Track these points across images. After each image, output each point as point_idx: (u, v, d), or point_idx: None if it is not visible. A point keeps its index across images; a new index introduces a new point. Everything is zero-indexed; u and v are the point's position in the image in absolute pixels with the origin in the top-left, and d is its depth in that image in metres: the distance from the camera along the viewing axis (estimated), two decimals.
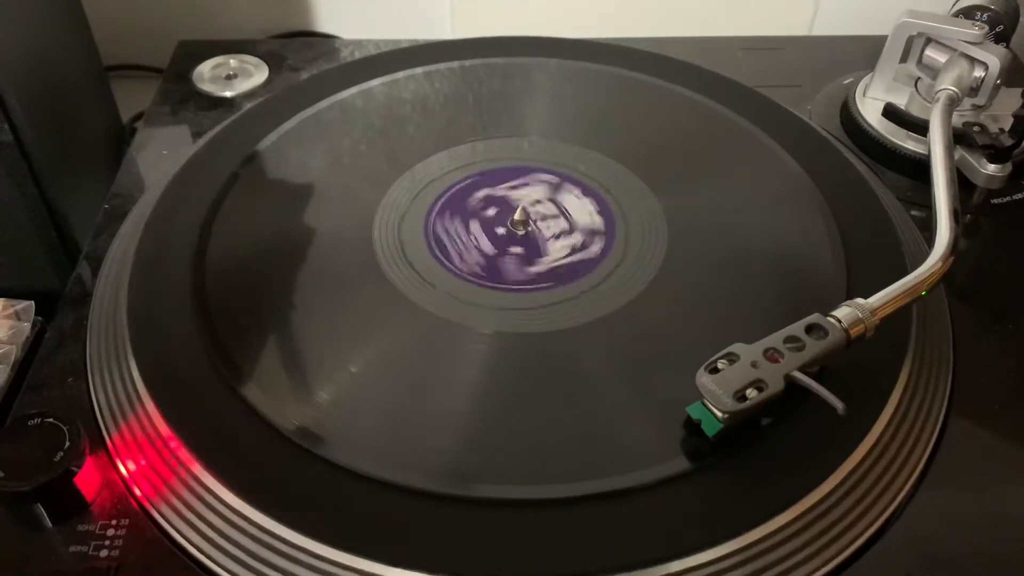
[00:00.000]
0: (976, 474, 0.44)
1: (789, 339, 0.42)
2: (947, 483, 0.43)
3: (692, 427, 0.42)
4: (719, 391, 0.40)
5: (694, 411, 0.41)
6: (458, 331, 0.47)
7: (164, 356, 0.45)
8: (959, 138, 0.56)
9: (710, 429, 0.41)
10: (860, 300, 0.43)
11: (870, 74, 0.64)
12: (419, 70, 0.65)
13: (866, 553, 0.40)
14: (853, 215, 0.53)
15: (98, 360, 0.47)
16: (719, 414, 0.40)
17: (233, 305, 0.48)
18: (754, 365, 0.41)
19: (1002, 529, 0.42)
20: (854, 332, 0.42)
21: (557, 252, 0.52)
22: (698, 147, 0.60)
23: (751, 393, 0.40)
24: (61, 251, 0.58)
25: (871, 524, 0.41)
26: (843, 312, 0.43)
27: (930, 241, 0.47)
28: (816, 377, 0.41)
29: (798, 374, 0.40)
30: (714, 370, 0.41)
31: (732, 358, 0.41)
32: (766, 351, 0.41)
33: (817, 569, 0.39)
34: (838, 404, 0.39)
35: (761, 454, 0.42)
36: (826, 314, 0.43)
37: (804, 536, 0.39)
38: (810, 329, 0.42)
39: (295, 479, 0.41)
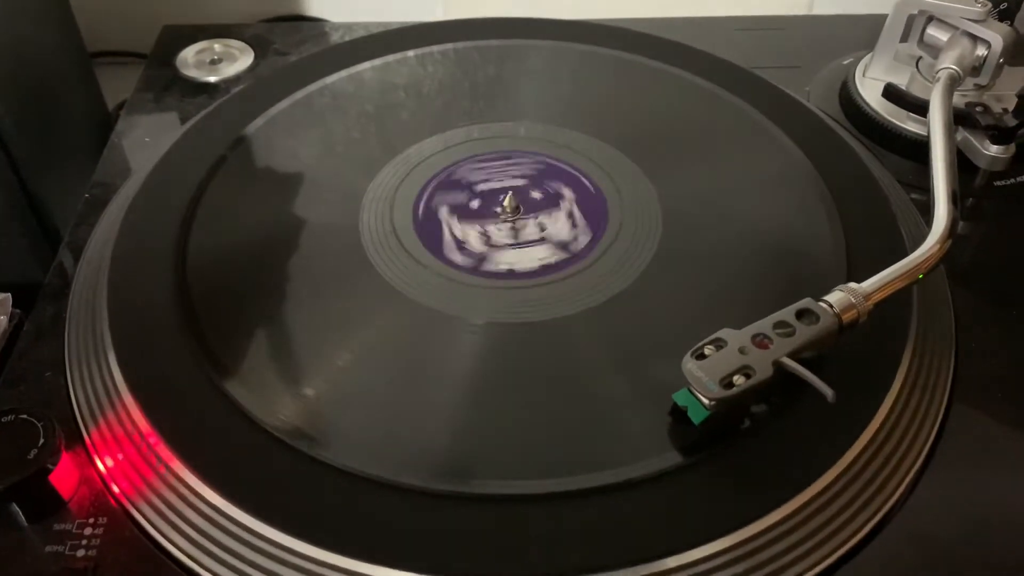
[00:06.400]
0: (978, 465, 0.43)
1: (779, 324, 0.41)
2: (949, 474, 0.42)
3: (681, 416, 0.41)
4: (705, 378, 0.39)
5: (680, 398, 0.40)
6: (449, 322, 0.46)
7: (144, 349, 0.44)
8: (961, 119, 0.55)
9: (696, 416, 0.40)
10: (853, 284, 0.42)
11: (870, 54, 0.63)
12: (410, 53, 0.64)
13: (866, 547, 0.39)
14: (852, 199, 0.52)
15: (77, 354, 0.46)
16: (705, 401, 0.39)
17: (215, 296, 0.47)
18: (742, 351, 0.40)
19: (1003, 522, 0.41)
20: (846, 318, 0.41)
21: (550, 239, 0.51)
22: (694, 130, 0.59)
23: (738, 380, 0.39)
24: (42, 241, 0.57)
25: (871, 518, 0.40)
26: (835, 297, 0.42)
27: (931, 225, 0.46)
28: (814, 364, 0.39)
29: (787, 360, 0.39)
30: (701, 356, 0.40)
31: (719, 344, 0.40)
32: (755, 337, 0.40)
33: (816, 564, 0.38)
34: (828, 392, 0.38)
35: (758, 447, 0.41)
36: (819, 299, 0.41)
37: (803, 531, 0.39)
38: (801, 314, 0.41)
39: (278, 476, 0.40)
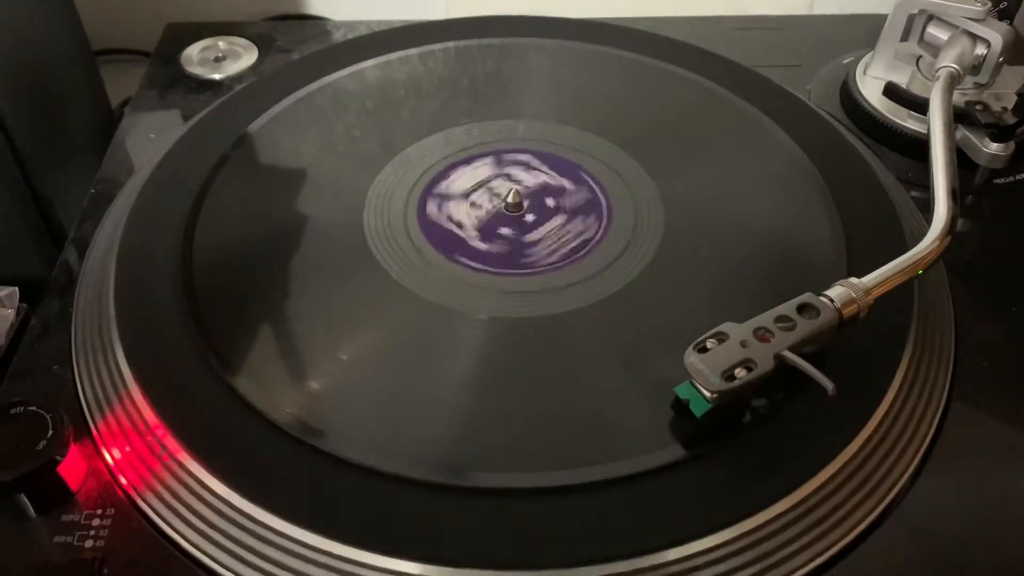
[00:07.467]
0: (977, 460, 0.43)
1: (780, 318, 0.41)
2: (948, 469, 0.42)
3: (683, 409, 0.41)
4: (707, 371, 0.39)
5: (682, 391, 0.41)
6: (452, 317, 0.47)
7: (150, 342, 0.45)
8: (961, 117, 0.56)
9: (698, 409, 0.40)
10: (854, 280, 0.42)
11: (870, 53, 0.63)
12: (413, 51, 0.64)
13: (865, 541, 0.40)
14: (853, 196, 0.52)
15: (83, 347, 0.46)
16: (707, 394, 0.39)
17: (221, 290, 0.47)
18: (743, 345, 0.40)
19: (1003, 515, 0.41)
20: (847, 312, 0.41)
21: (552, 235, 0.51)
22: (695, 128, 0.59)
23: (740, 373, 0.39)
24: (47, 237, 0.57)
25: (871, 511, 0.40)
26: (836, 292, 0.42)
27: (931, 222, 0.46)
28: (815, 359, 0.40)
29: (788, 354, 0.39)
30: (703, 349, 0.40)
31: (721, 337, 0.40)
32: (756, 330, 0.40)
33: (816, 556, 0.39)
34: (828, 384, 0.38)
35: (760, 440, 0.41)
36: (819, 294, 0.42)
37: (803, 523, 0.39)
38: (801, 308, 0.41)
39: (283, 467, 0.40)
